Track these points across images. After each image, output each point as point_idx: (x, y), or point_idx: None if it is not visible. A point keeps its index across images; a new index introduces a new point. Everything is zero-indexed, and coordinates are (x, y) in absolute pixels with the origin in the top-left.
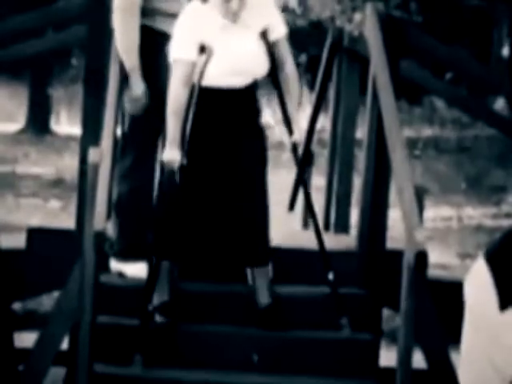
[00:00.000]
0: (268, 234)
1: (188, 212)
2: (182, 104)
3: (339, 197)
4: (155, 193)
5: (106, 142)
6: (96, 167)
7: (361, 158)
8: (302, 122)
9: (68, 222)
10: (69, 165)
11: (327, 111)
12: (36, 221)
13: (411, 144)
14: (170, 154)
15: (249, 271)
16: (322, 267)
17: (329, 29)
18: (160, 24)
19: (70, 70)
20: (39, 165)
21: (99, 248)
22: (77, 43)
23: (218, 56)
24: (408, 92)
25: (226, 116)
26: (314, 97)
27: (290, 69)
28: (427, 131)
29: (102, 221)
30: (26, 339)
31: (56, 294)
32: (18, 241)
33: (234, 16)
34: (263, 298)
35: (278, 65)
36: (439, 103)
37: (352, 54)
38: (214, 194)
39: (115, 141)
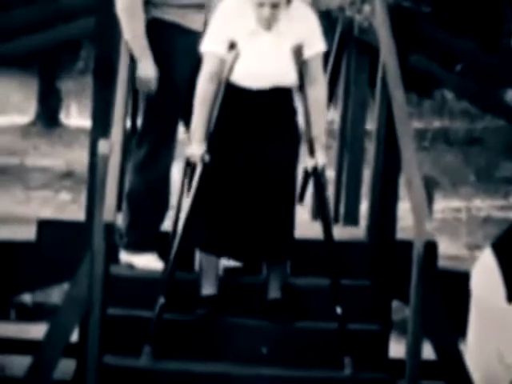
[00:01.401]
0: (290, 234)
1: (218, 207)
2: (206, 98)
3: (349, 188)
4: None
5: (116, 133)
6: (106, 159)
7: (370, 149)
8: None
9: (78, 214)
10: (78, 157)
11: (336, 103)
12: (46, 213)
13: (420, 136)
14: (191, 148)
15: (264, 265)
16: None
17: (338, 19)
18: (170, 15)
19: (80, 62)
20: (49, 157)
21: (109, 239)
22: (86, 35)
23: (245, 57)
24: (417, 85)
25: (254, 114)
26: None
27: (320, 89)
28: (436, 123)
29: (111, 212)
30: (35, 331)
31: (66, 285)
32: (29, 233)
33: (266, 23)
34: (273, 292)
35: (308, 81)
36: (449, 95)
37: (362, 45)
38: (240, 191)
39: (125, 133)
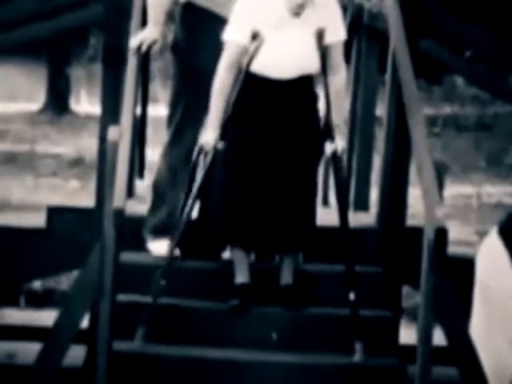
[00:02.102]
0: (311, 224)
1: (243, 200)
2: (225, 86)
3: (359, 175)
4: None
5: (126, 120)
6: (116, 145)
7: (380, 135)
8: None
9: (87, 201)
10: (88, 144)
11: (347, 89)
12: (56, 200)
13: (430, 122)
14: (206, 135)
15: (277, 256)
16: (342, 244)
17: (348, 6)
18: (201, 0)
19: (89, 49)
20: (59, 144)
21: (119, 225)
22: (95, 22)
23: (269, 46)
24: (427, 71)
25: (277, 104)
26: None
27: (341, 77)
28: (447, 109)
29: (121, 199)
30: (45, 317)
31: (76, 272)
32: (38, 220)
33: (298, 9)
34: (285, 278)
35: (329, 69)
36: (459, 81)
37: (371, 32)
38: (263, 182)
39: (135, 119)
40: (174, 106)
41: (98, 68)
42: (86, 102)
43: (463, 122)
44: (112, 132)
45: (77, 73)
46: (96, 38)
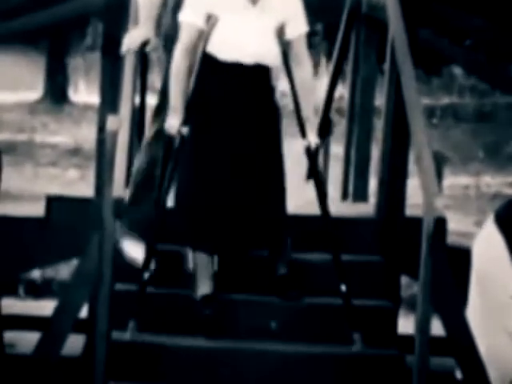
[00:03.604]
0: (283, 214)
1: (202, 191)
2: (181, 70)
3: (357, 165)
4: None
5: (125, 110)
6: (115, 135)
7: (379, 126)
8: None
9: (86, 190)
10: (87, 134)
11: (345, 79)
12: (54, 190)
13: (429, 112)
14: (169, 121)
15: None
16: (341, 235)
17: None
18: None
19: (88, 38)
20: (57, 134)
21: (118, 215)
22: (94, 11)
23: (226, 29)
24: (426, 62)
25: (236, 91)
26: (331, 65)
27: (306, 71)
28: (445, 99)
29: (120, 188)
30: (44, 307)
31: (75, 261)
32: (37, 209)
33: (253, 1)
34: (280, 268)
35: (293, 63)
36: (457, 71)
37: (370, 22)
38: (226, 178)
39: (134, 109)
40: (162, 99)
41: (96, 58)
42: (85, 92)
43: (462, 112)
44: (111, 122)
45: (75, 62)
46: (95, 28)
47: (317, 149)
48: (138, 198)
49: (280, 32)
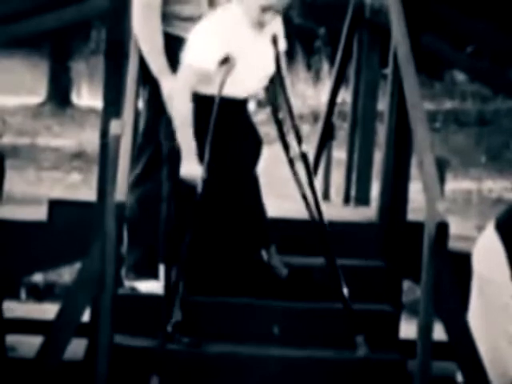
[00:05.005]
0: (267, 223)
1: (207, 224)
2: (189, 113)
3: (360, 170)
4: (167, 206)
5: (128, 113)
6: (118, 139)
7: (381, 130)
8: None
9: (89, 194)
10: (90, 137)
11: (348, 84)
12: (57, 193)
13: (431, 117)
14: (191, 167)
15: (264, 253)
16: (341, 239)
17: (349, 1)
18: (175, 29)
19: (91, 42)
20: (60, 137)
21: (121, 219)
22: (97, 15)
23: (247, 65)
24: (428, 67)
25: (227, 124)
26: (334, 70)
27: (287, 82)
28: (447, 104)
29: (123, 192)
30: (46, 310)
31: (77, 265)
32: (40, 213)
33: (261, 26)
34: (283, 270)
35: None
36: (460, 76)
37: (373, 27)
38: (225, 202)
39: (137, 113)
40: (147, 136)
41: (99, 61)
42: (88, 96)
43: (464, 117)
44: (114, 126)
45: (78, 66)
46: (98, 32)
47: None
48: (131, 244)
49: (275, 42)
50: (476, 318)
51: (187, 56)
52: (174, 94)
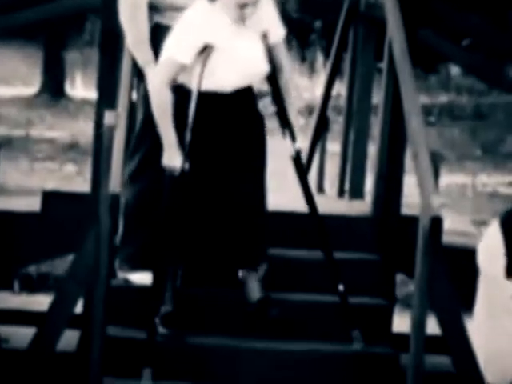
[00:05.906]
0: (263, 237)
1: (189, 217)
2: (168, 104)
3: (354, 163)
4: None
5: (122, 105)
6: (112, 130)
7: (376, 123)
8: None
9: (83, 185)
10: (84, 129)
11: (342, 77)
12: (51, 185)
13: (426, 111)
14: (170, 158)
15: (241, 272)
16: (338, 232)
17: None
18: (168, 19)
19: (85, 33)
20: (54, 129)
21: (115, 211)
22: (92, 7)
23: (227, 59)
24: (423, 61)
25: (226, 118)
26: (329, 63)
27: (288, 74)
28: (442, 98)
29: (117, 184)
30: (40, 302)
31: (70, 257)
32: (34, 204)
33: (243, 20)
34: (255, 294)
35: (276, 69)
36: (455, 70)
37: (368, 20)
38: (213, 197)
39: (131, 104)
40: (141, 134)
41: (93, 52)
42: (82, 87)
43: (459, 111)
44: (108, 117)
45: (73, 57)
46: (92, 23)
47: (298, 153)
48: (127, 238)
49: (264, 40)
50: (480, 314)
51: (165, 47)
52: (151, 86)
